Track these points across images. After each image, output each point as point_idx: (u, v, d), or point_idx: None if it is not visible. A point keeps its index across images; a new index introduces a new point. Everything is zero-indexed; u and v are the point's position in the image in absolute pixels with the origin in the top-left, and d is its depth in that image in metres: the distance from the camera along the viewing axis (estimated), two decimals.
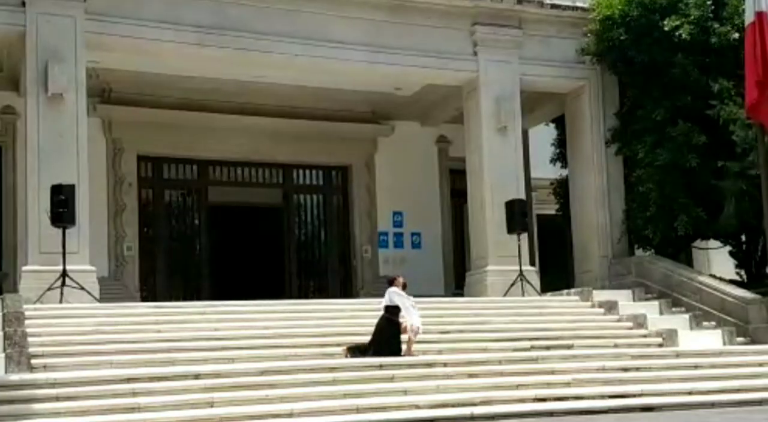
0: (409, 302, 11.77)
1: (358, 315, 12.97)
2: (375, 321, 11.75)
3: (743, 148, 14.79)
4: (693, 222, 15.40)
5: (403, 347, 11.56)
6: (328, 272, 18.72)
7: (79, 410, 9.17)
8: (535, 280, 15.67)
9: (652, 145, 15.85)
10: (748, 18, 13.93)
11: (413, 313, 11.66)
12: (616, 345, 12.76)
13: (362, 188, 18.65)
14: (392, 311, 11.71)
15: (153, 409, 9.31)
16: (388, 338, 11.51)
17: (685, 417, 9.80)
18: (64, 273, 12.55)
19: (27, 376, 9.90)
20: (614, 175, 16.86)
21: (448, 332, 12.32)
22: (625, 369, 11.58)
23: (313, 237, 19.00)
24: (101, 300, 12.97)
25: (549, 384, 10.85)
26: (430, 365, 11.17)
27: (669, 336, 13.14)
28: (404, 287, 12.02)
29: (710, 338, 13.58)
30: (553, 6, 16.63)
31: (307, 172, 18.84)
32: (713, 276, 15.92)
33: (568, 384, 10.88)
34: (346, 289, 18.32)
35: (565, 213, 17.85)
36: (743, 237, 16.34)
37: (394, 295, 11.80)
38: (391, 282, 12.13)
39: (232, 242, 18.55)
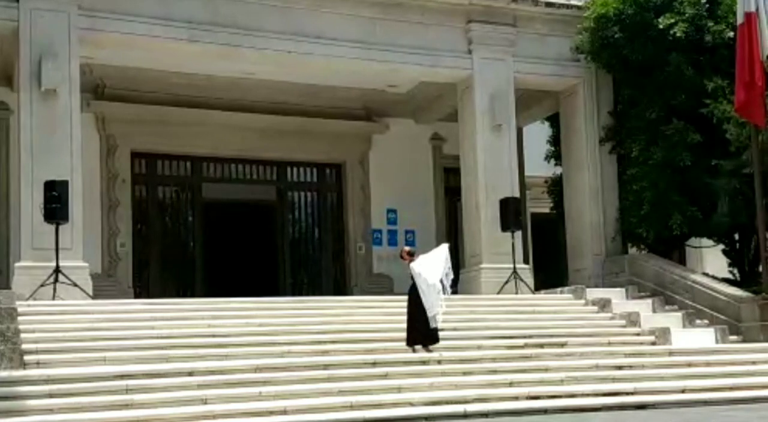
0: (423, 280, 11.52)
1: (353, 313, 12.98)
2: (370, 317, 11.71)
3: (737, 147, 14.83)
4: (687, 220, 15.43)
5: None
6: (321, 269, 18.71)
7: (72, 407, 9.16)
8: (529, 278, 15.69)
9: (646, 144, 15.89)
10: (739, 19, 14.01)
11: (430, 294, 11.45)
12: (609, 343, 12.79)
13: (356, 185, 18.63)
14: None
15: (146, 406, 9.31)
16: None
17: (678, 415, 9.81)
18: (57, 270, 12.51)
19: (20, 373, 9.88)
20: (608, 173, 16.87)
21: (442, 330, 12.27)
22: (619, 367, 11.62)
23: (307, 235, 18.98)
24: (94, 296, 12.94)
25: (542, 382, 10.88)
26: (424, 362, 11.20)
27: (662, 335, 13.17)
28: (412, 256, 11.91)
29: (703, 336, 13.60)
30: (548, 4, 16.63)
31: (301, 169, 18.82)
32: (706, 275, 15.97)
33: (561, 382, 10.91)
34: (339, 286, 18.31)
35: (559, 211, 17.86)
36: (736, 236, 16.37)
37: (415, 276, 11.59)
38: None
39: (226, 239, 18.51)
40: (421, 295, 11.41)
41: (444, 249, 11.98)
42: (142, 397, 9.45)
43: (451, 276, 11.82)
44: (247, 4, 14.79)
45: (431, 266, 11.59)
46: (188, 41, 14.44)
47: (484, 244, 15.73)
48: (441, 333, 11.77)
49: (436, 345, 11.48)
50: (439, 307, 11.39)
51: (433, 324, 11.37)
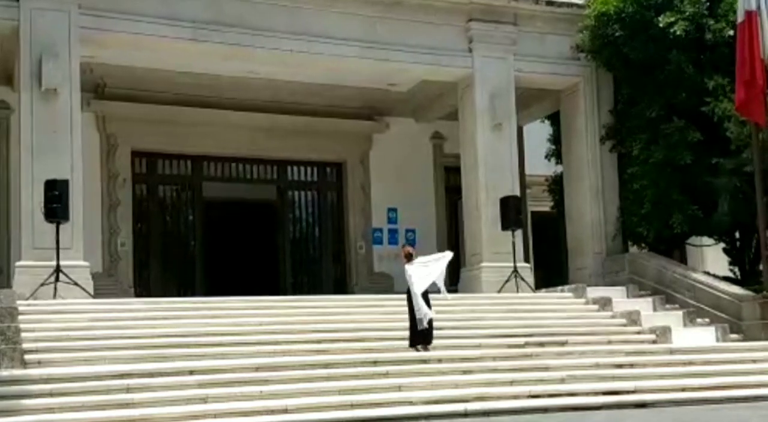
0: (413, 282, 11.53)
1: (353, 312, 12.98)
2: (370, 316, 11.71)
3: (737, 145, 14.82)
4: (687, 219, 15.43)
5: None
6: (322, 268, 18.71)
7: (73, 406, 9.17)
8: (530, 277, 15.69)
9: (647, 142, 15.88)
10: (739, 17, 14.01)
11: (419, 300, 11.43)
12: (609, 342, 12.79)
13: (357, 184, 18.63)
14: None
15: (147, 405, 9.32)
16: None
17: (678, 414, 9.82)
18: (57, 269, 12.51)
19: (20, 372, 9.88)
20: (609, 171, 16.86)
21: (442, 328, 12.30)
22: (619, 366, 11.62)
23: (307, 234, 18.98)
24: (95, 295, 12.94)
25: (543, 381, 10.87)
26: (424, 361, 11.20)
27: (663, 333, 13.17)
28: (409, 257, 11.91)
29: (703, 335, 13.61)
30: (549, 2, 16.62)
31: (302, 168, 18.82)
32: (707, 273, 15.97)
33: (561, 381, 10.91)
34: (340, 286, 18.30)
35: (560, 209, 17.86)
36: (737, 235, 16.36)
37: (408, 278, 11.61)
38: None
39: (227, 238, 18.53)
40: (413, 298, 11.45)
41: (447, 257, 11.93)
42: (142, 396, 9.46)
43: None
44: (250, 3, 14.76)
45: (426, 273, 11.57)
46: (192, 40, 14.42)
47: (484, 243, 15.73)
48: (442, 332, 11.81)
49: (430, 346, 11.48)
50: (427, 311, 11.38)
51: (420, 327, 11.36)
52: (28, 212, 13.07)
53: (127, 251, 16.70)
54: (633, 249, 16.92)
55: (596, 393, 10.63)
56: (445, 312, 12.78)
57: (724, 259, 16.88)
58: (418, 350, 11.43)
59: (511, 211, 15.29)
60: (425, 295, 11.55)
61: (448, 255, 12.06)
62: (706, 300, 14.59)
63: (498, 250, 15.54)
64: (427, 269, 11.67)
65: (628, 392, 10.75)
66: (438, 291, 11.90)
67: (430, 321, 11.48)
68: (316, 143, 18.03)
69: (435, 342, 11.70)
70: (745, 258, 16.36)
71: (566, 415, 9.89)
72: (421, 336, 11.45)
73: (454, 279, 16.23)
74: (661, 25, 15.33)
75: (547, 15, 16.69)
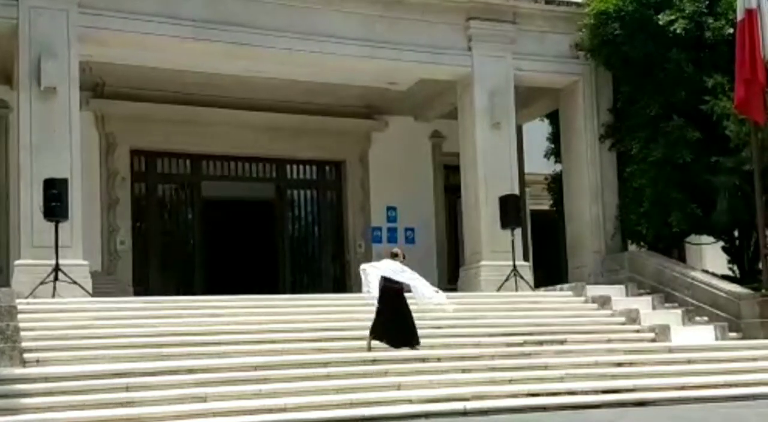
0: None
1: (352, 310, 12.96)
2: (369, 315, 11.67)
3: (737, 144, 14.82)
4: (687, 218, 15.43)
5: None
6: (321, 267, 18.74)
7: (72, 405, 9.16)
8: (529, 275, 15.69)
9: (646, 141, 15.88)
10: (739, 15, 14.02)
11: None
12: (609, 340, 12.78)
13: (356, 183, 18.64)
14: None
15: (146, 404, 9.32)
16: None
17: (677, 412, 9.84)
18: (56, 268, 12.50)
19: (19, 371, 9.88)
20: (608, 170, 16.86)
21: (441, 327, 12.32)
22: (618, 364, 11.63)
23: (306, 232, 19.00)
24: (94, 294, 12.94)
25: (542, 379, 10.88)
26: (423, 360, 11.20)
27: (662, 332, 13.16)
28: (394, 256, 11.96)
29: (703, 333, 13.61)
30: (548, 1, 16.62)
31: (301, 166, 18.84)
32: (706, 272, 15.96)
33: (561, 379, 10.92)
34: (339, 284, 18.31)
35: (559, 208, 17.86)
36: (736, 233, 16.36)
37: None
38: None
39: (226, 237, 18.53)
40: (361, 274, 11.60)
41: (430, 288, 11.86)
42: (141, 395, 9.46)
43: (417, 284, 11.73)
44: (250, 1, 14.73)
45: (393, 270, 11.58)
46: (191, 39, 14.39)
47: (483, 242, 15.73)
48: (440, 331, 11.84)
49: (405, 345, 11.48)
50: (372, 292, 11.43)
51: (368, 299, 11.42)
52: (27, 211, 13.06)
53: (126, 250, 16.71)
54: (632, 247, 16.92)
55: (595, 392, 10.63)
56: (444, 310, 12.76)
57: (723, 258, 16.88)
58: (417, 349, 11.40)
59: (510, 210, 15.29)
60: (400, 291, 11.50)
61: (435, 293, 11.89)
62: (705, 298, 14.59)
63: (497, 249, 15.53)
64: (399, 269, 11.63)
65: (627, 390, 10.76)
66: (409, 290, 11.83)
67: (412, 323, 11.41)
68: (315, 142, 18.03)
69: (434, 340, 11.72)
70: (744, 256, 16.35)
71: (565, 414, 9.89)
72: (383, 329, 11.36)
73: (453, 278, 16.21)
74: (660, 23, 15.34)
75: (547, 13, 16.68)
